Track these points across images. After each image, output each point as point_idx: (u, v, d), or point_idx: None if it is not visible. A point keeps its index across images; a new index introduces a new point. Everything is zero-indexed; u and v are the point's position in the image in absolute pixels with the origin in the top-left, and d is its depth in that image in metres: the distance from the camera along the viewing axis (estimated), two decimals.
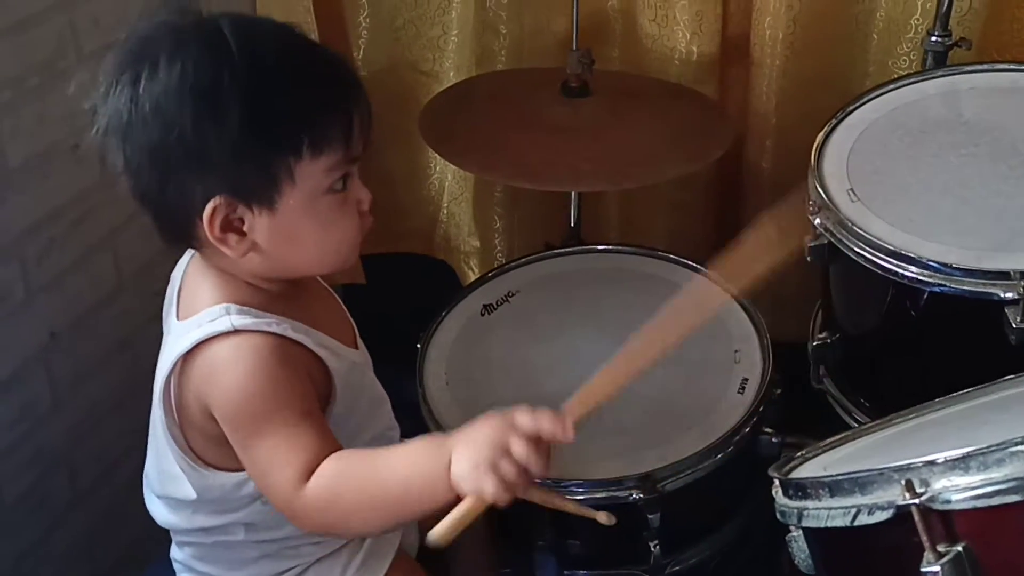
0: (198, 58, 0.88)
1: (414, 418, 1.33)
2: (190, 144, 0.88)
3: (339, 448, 0.94)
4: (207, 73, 0.87)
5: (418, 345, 1.45)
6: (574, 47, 1.60)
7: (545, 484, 1.24)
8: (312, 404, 0.96)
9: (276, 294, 0.98)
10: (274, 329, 0.94)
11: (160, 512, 1.08)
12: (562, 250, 1.63)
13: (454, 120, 1.64)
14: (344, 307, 1.13)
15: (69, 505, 1.44)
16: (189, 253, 1.04)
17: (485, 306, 1.52)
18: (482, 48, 1.86)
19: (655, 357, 0.97)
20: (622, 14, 1.83)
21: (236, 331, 0.93)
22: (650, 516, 1.24)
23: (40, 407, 1.37)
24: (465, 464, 0.85)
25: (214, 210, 0.90)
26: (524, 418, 0.87)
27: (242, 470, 0.98)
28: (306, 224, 0.93)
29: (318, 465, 0.92)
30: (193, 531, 1.06)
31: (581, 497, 1.25)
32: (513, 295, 1.54)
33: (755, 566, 1.42)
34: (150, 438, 1.06)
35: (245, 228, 0.92)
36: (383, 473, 0.91)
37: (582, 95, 1.61)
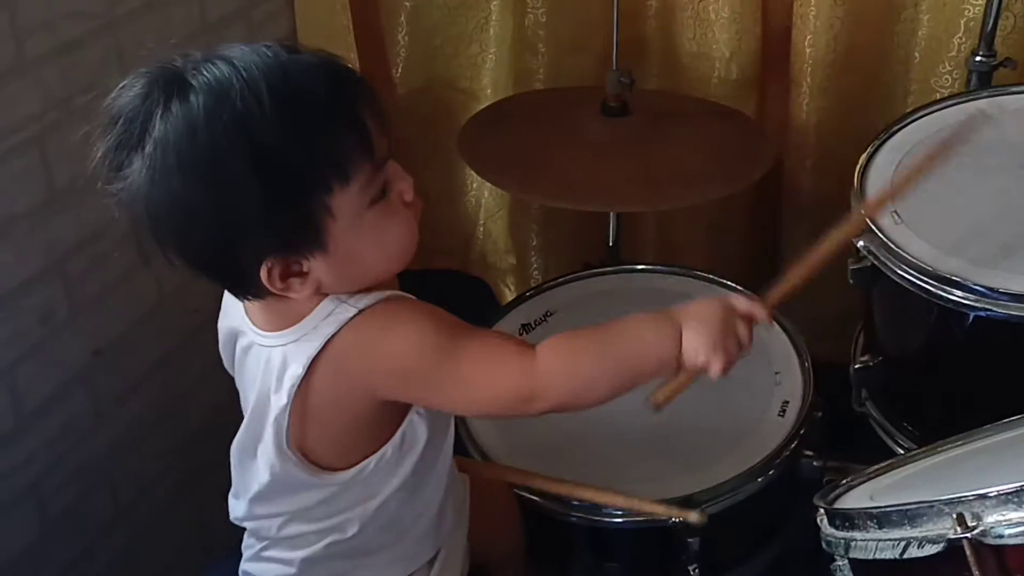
0: (189, 135, 0.84)
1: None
2: (219, 225, 0.87)
3: None
4: (205, 149, 0.84)
5: None
6: (614, 67, 1.60)
7: (585, 506, 1.24)
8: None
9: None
10: (390, 295, 0.94)
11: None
12: (600, 270, 1.63)
13: (492, 139, 1.64)
14: None
15: (110, 521, 1.46)
16: None
17: (523, 326, 1.52)
18: (520, 66, 1.87)
19: (836, 252, 1.05)
20: (660, 33, 1.83)
21: (361, 311, 0.92)
22: (689, 540, 1.23)
23: (82, 424, 1.38)
24: (699, 339, 0.94)
25: (269, 270, 0.89)
26: (742, 303, 0.98)
27: (357, 463, 0.98)
28: (360, 244, 0.92)
29: (529, 345, 0.95)
30: (282, 542, 1.06)
31: (620, 520, 1.25)
32: (551, 315, 1.54)
33: None
34: (242, 459, 1.04)
35: (305, 270, 0.91)
36: (617, 339, 0.97)
37: (622, 114, 1.61)
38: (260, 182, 0.85)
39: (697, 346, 0.95)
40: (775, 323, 1.46)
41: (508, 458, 1.32)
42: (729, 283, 1.56)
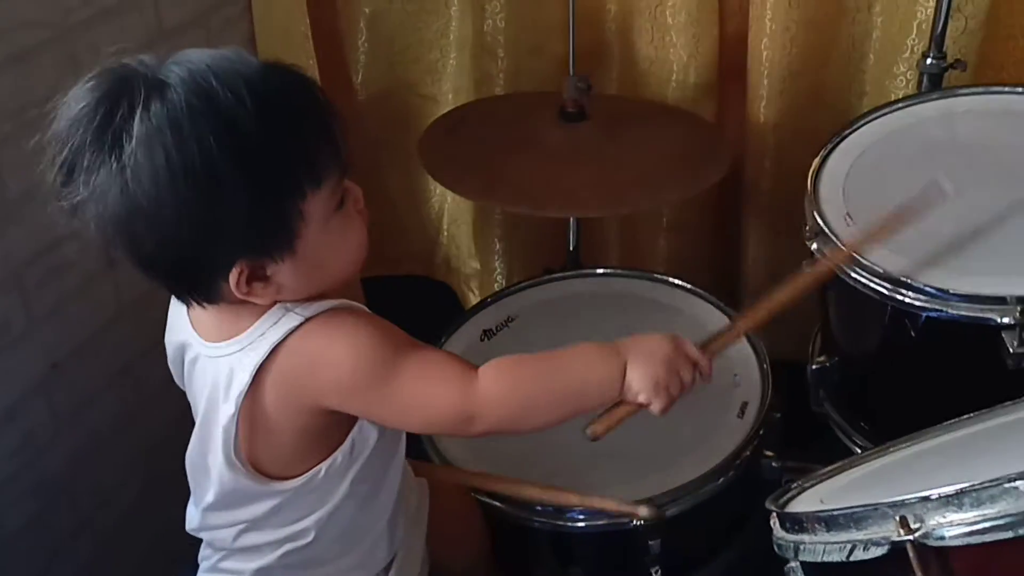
0: (174, 135, 0.84)
1: (415, 443, 1.33)
2: (200, 226, 0.86)
3: None
4: (191, 149, 0.84)
5: None
6: (571, 72, 1.61)
7: (547, 511, 1.25)
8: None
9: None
10: (338, 305, 0.95)
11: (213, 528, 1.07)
12: (561, 274, 1.64)
13: (452, 146, 1.65)
14: None
15: (71, 533, 1.45)
16: None
17: (485, 331, 1.53)
18: (480, 72, 1.87)
19: (782, 309, 1.09)
20: (619, 37, 1.84)
21: (307, 320, 0.93)
22: (651, 542, 1.24)
23: (41, 436, 1.37)
24: (643, 377, 0.96)
25: (240, 273, 0.90)
26: (690, 348, 0.99)
27: (307, 471, 0.98)
28: (325, 249, 0.93)
29: (471, 366, 0.96)
30: (238, 552, 1.06)
31: (582, 524, 1.26)
32: (512, 320, 1.55)
33: None
34: (195, 472, 1.04)
35: (269, 274, 0.92)
36: (559, 369, 0.98)
37: (579, 119, 1.62)
38: (246, 181, 0.86)
39: (640, 383, 0.96)
40: None
41: (471, 463, 1.32)
42: (689, 285, 1.57)
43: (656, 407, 0.97)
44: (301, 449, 0.99)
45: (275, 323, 0.94)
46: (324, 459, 0.99)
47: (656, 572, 1.27)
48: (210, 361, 0.98)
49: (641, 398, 0.97)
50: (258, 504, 1.01)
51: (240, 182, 0.86)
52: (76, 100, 0.87)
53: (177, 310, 1.04)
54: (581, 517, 1.26)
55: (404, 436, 1.09)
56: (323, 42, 1.82)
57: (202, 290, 0.93)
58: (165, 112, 0.84)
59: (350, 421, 0.99)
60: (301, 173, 0.90)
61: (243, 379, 0.94)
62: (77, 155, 0.86)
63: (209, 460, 1.00)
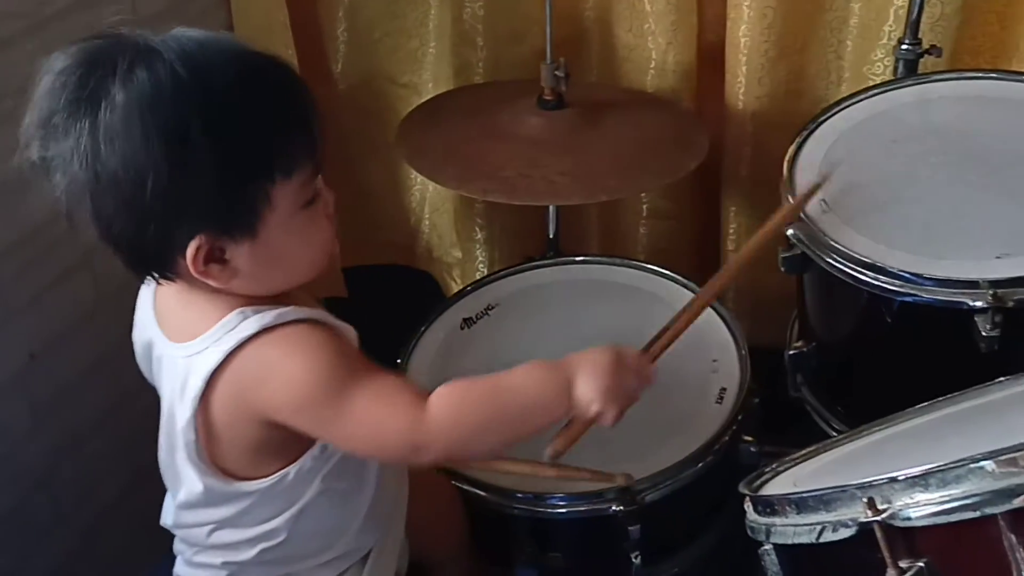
0: (155, 100, 0.84)
1: None
2: (167, 192, 0.86)
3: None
4: (170, 116, 0.85)
5: (398, 360, 1.46)
6: (548, 60, 1.61)
7: (527, 498, 1.26)
8: (370, 360, 0.97)
9: (272, 298, 0.97)
10: (298, 315, 0.94)
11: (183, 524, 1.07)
12: (540, 262, 1.64)
13: (430, 135, 1.65)
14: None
15: (51, 526, 1.44)
16: (151, 285, 1.02)
17: (465, 320, 1.53)
18: (460, 60, 1.87)
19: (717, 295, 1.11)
20: (598, 24, 1.84)
21: (264, 330, 0.92)
22: (630, 528, 1.24)
23: (19, 429, 1.37)
24: (591, 391, 0.96)
25: (197, 248, 0.89)
26: (633, 358, 1.01)
27: (274, 473, 0.98)
28: (287, 241, 0.93)
29: (423, 394, 0.94)
30: (212, 549, 1.06)
31: (563, 510, 1.26)
32: (492, 308, 1.55)
33: (736, 574, 1.42)
34: (166, 469, 1.04)
35: (227, 256, 0.91)
36: (506, 391, 0.97)
37: (558, 107, 1.62)
38: (217, 152, 0.86)
39: (589, 398, 0.97)
40: (712, 311, 1.48)
41: None
42: (669, 272, 1.58)
43: (606, 419, 0.98)
44: (263, 454, 0.98)
45: (232, 329, 0.93)
46: (292, 462, 0.99)
47: (636, 557, 1.28)
48: (171, 360, 0.98)
49: (592, 411, 0.97)
50: (228, 504, 1.00)
51: (212, 154, 0.86)
52: (58, 61, 0.87)
53: (144, 307, 1.04)
54: (561, 503, 1.26)
55: None
56: (302, 31, 1.81)
57: (159, 262, 0.92)
58: (149, 78, 0.84)
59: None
60: (274, 157, 0.90)
61: (196, 384, 0.93)
62: (53, 113, 0.86)
63: (176, 459, 0.99)
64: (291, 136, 0.91)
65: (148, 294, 1.04)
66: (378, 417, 0.94)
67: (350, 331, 0.99)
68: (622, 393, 0.98)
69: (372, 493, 1.08)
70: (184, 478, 0.99)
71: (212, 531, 1.03)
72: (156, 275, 0.94)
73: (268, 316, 0.93)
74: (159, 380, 1.02)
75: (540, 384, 0.98)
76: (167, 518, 1.06)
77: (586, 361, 0.98)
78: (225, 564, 1.05)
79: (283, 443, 0.97)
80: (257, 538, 1.02)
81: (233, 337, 0.92)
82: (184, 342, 0.96)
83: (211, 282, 0.92)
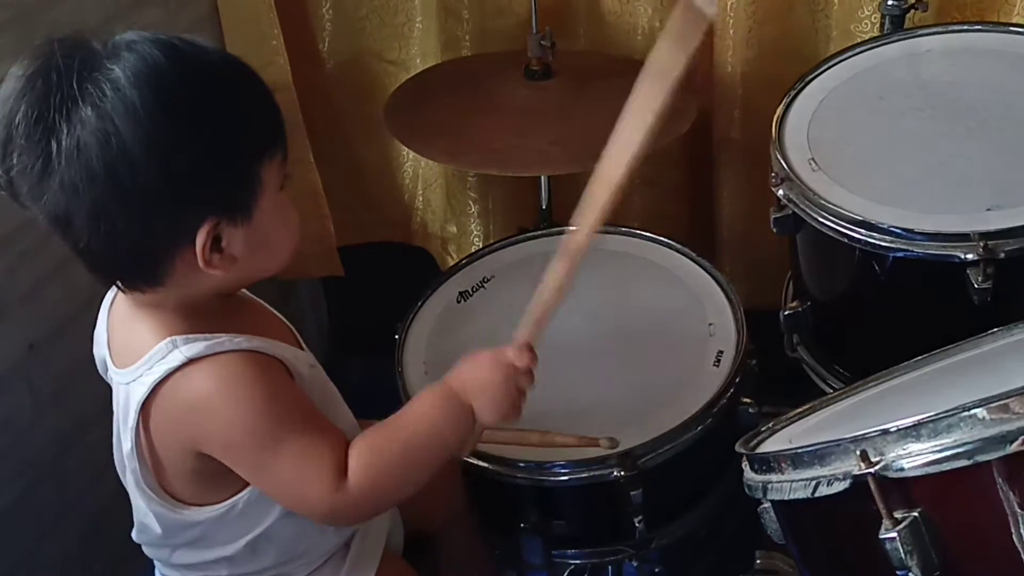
0: (155, 79, 0.83)
1: (395, 407, 1.34)
2: (174, 177, 0.85)
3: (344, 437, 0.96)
4: (171, 95, 0.84)
5: (396, 336, 1.46)
6: (533, 30, 1.60)
7: (529, 466, 1.26)
8: (308, 403, 0.96)
9: (215, 313, 0.95)
10: (233, 346, 0.92)
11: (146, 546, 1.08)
12: (534, 233, 1.64)
13: (418, 110, 1.64)
14: (277, 312, 1.10)
15: (58, 514, 1.45)
16: (108, 300, 1.02)
17: (461, 293, 1.53)
18: (447, 34, 1.86)
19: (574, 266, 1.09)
20: None
21: (191, 361, 0.90)
22: (632, 493, 1.25)
23: (22, 417, 1.38)
24: (491, 412, 1.00)
25: (207, 234, 0.88)
26: (514, 358, 1.00)
27: (223, 500, 0.97)
28: (272, 224, 0.93)
29: (346, 458, 0.94)
30: (178, 567, 1.06)
31: (565, 477, 1.27)
32: (488, 281, 1.55)
33: (741, 536, 1.43)
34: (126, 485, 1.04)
35: (223, 244, 0.90)
36: (415, 442, 0.98)
37: (545, 77, 1.61)
38: (219, 132, 0.86)
39: (491, 416, 1.00)
40: (708, 275, 1.49)
41: None
42: (663, 238, 1.58)
43: (512, 419, 1.02)
44: (208, 482, 0.97)
45: (162, 358, 0.91)
46: (240, 491, 0.98)
47: (639, 522, 1.28)
48: (116, 385, 0.98)
49: (495, 424, 1.02)
50: (183, 529, 0.99)
51: (215, 131, 0.86)
52: (20, 69, 0.84)
53: (100, 322, 1.03)
54: (564, 471, 1.27)
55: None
56: (287, 11, 1.80)
57: (154, 262, 0.89)
58: (138, 59, 0.84)
59: None
60: (262, 136, 0.91)
61: (132, 415, 0.93)
62: (26, 122, 0.82)
63: (128, 482, 1.00)
64: (271, 114, 0.92)
65: (105, 310, 1.03)
66: (301, 482, 0.94)
67: (291, 357, 0.97)
68: (518, 397, 1.01)
69: None
70: (134, 500, 1.00)
71: (172, 552, 1.03)
72: (142, 281, 0.91)
73: (198, 346, 0.91)
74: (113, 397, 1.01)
75: (445, 422, 0.99)
76: (135, 533, 1.06)
77: (477, 384, 1.00)
78: None
79: (226, 472, 0.95)
80: (219, 561, 1.02)
81: (161, 368, 0.91)
82: (124, 368, 0.95)
83: (214, 272, 0.90)
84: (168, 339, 0.91)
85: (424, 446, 0.99)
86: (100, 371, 1.05)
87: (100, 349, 1.03)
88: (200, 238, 0.88)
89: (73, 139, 0.82)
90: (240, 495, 0.98)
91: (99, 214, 0.84)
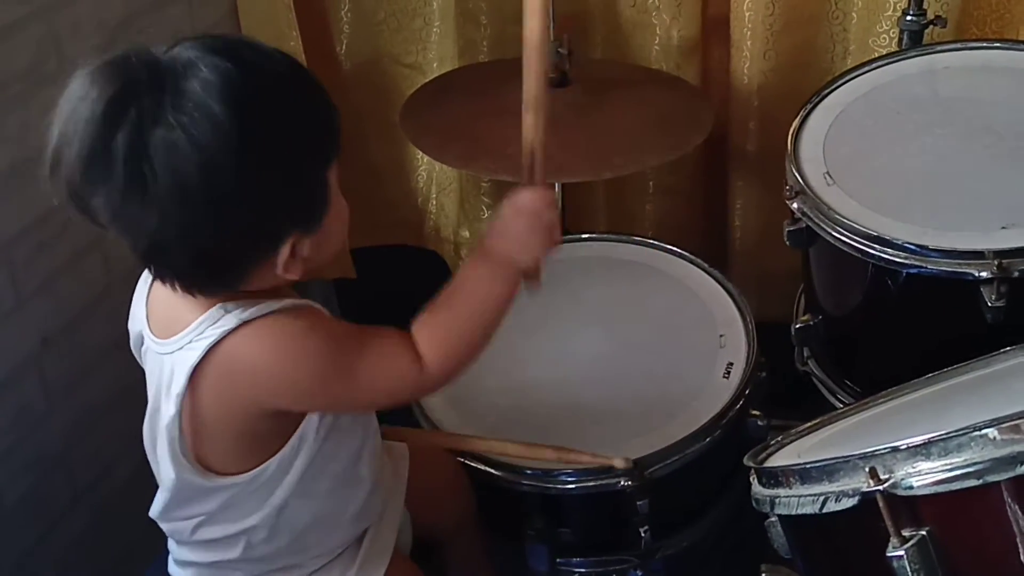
0: (230, 93, 0.83)
1: (406, 412, 1.35)
2: (263, 195, 0.87)
3: None
4: (252, 109, 0.85)
5: None
6: (551, 38, 1.60)
7: (536, 474, 1.27)
8: (354, 325, 1.00)
9: (247, 292, 0.96)
10: (280, 306, 0.94)
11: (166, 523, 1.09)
12: None
13: (434, 114, 1.64)
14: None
15: (68, 506, 1.46)
16: (146, 281, 1.03)
17: None
18: (464, 39, 1.86)
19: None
20: (601, 1, 1.83)
21: (244, 324, 0.92)
22: (639, 502, 1.25)
23: (35, 411, 1.39)
24: (531, 257, 1.05)
25: (292, 246, 0.91)
26: (527, 200, 1.05)
27: (253, 468, 0.98)
28: (334, 221, 0.95)
29: (414, 345, 0.99)
30: (196, 546, 1.07)
31: (572, 486, 1.27)
32: None
33: (746, 547, 1.43)
34: (151, 460, 1.05)
35: (299, 251, 0.92)
36: (469, 307, 1.03)
37: (562, 85, 1.61)
38: (298, 145, 0.89)
39: (531, 261, 1.05)
40: (719, 286, 1.49)
41: (456, 426, 1.34)
42: (676, 248, 1.58)
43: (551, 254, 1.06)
44: (248, 446, 0.99)
45: (214, 323, 0.92)
46: (272, 456, 0.99)
47: (645, 531, 1.28)
48: (156, 357, 0.98)
49: (538, 265, 1.06)
50: (207, 499, 1.01)
51: (295, 148, 0.88)
52: (96, 90, 0.83)
53: (139, 300, 1.04)
54: (571, 479, 1.27)
55: (372, 431, 1.10)
56: (305, 13, 1.81)
57: (237, 275, 0.92)
58: (212, 73, 0.83)
59: (296, 420, 0.99)
60: (329, 143, 0.93)
61: (181, 380, 0.93)
62: (113, 146, 0.82)
63: (158, 453, 1.00)
64: (333, 118, 0.94)
65: (143, 287, 1.04)
66: (387, 377, 0.99)
67: (321, 309, 1.00)
68: (549, 231, 1.05)
69: (367, 489, 1.09)
70: (164, 472, 1.00)
71: (196, 527, 1.04)
72: (218, 288, 0.93)
73: (249, 310, 0.93)
74: (147, 372, 1.02)
75: (491, 281, 1.03)
76: (155, 509, 1.06)
77: (509, 240, 1.04)
78: (213, 564, 1.06)
79: (268, 434, 0.98)
80: (240, 534, 1.03)
81: (214, 332, 0.92)
82: (167, 339, 0.96)
83: (292, 276, 0.93)
84: (218, 305, 0.93)
85: (477, 310, 1.03)
86: (133, 347, 1.07)
87: (137, 325, 1.03)
88: (284, 252, 0.91)
89: (163, 161, 0.83)
90: (271, 461, 0.99)
91: (189, 234, 0.86)
